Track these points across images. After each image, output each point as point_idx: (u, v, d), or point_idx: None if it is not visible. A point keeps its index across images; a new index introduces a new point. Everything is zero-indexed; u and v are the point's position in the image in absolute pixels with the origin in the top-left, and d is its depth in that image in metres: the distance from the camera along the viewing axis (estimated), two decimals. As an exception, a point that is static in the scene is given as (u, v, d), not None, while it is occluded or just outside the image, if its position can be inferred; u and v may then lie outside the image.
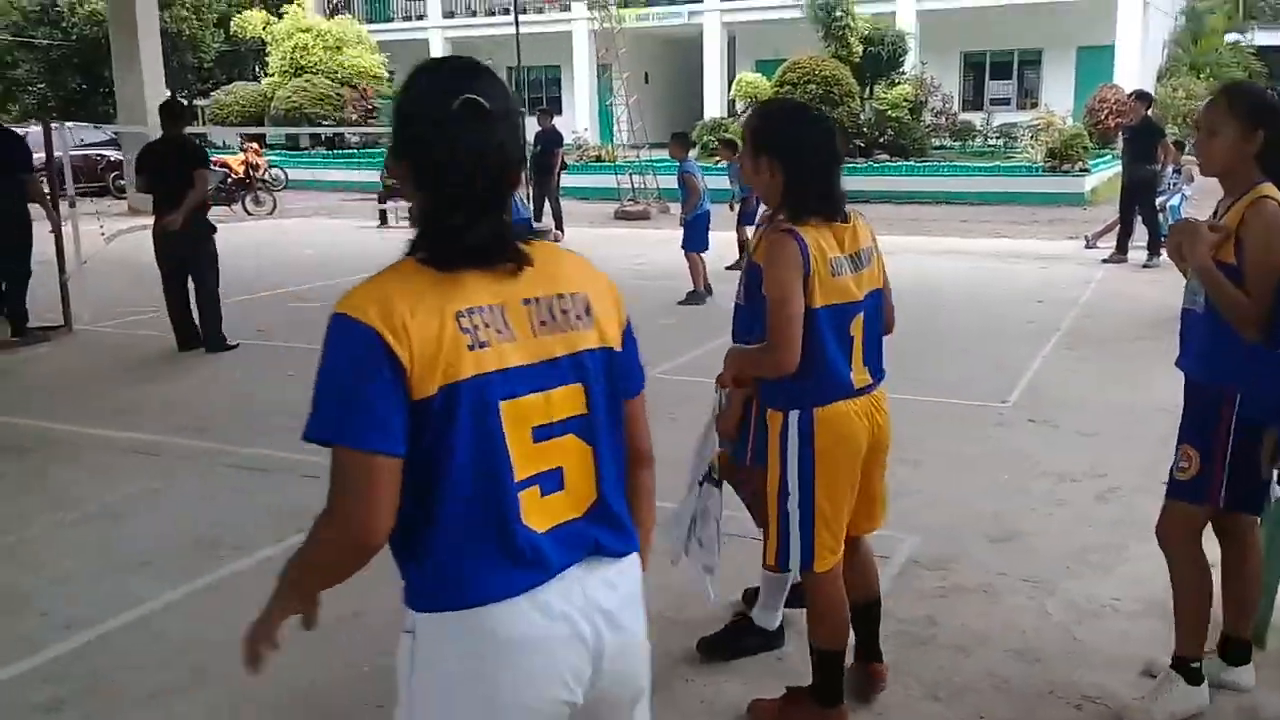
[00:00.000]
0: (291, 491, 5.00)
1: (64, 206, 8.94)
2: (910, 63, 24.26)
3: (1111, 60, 24.46)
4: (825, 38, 23.19)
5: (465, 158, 1.52)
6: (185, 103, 9.17)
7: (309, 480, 5.11)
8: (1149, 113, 12.28)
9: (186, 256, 8.00)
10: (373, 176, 20.86)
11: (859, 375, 2.74)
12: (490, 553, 1.53)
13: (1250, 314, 2.67)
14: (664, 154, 15.21)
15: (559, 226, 15.62)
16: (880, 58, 23.51)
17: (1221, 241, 2.71)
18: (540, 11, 26.42)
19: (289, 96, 27.44)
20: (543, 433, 1.57)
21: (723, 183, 13.03)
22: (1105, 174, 19.79)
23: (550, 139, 15.86)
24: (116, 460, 5.52)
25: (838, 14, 22.86)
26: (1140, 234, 12.13)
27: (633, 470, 1.74)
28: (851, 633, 2.99)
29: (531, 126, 16.26)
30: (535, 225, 15.61)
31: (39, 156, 9.07)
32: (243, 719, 3.16)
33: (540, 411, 1.57)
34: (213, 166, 11.02)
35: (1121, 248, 12.17)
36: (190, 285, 8.16)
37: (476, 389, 1.51)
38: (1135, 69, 24.04)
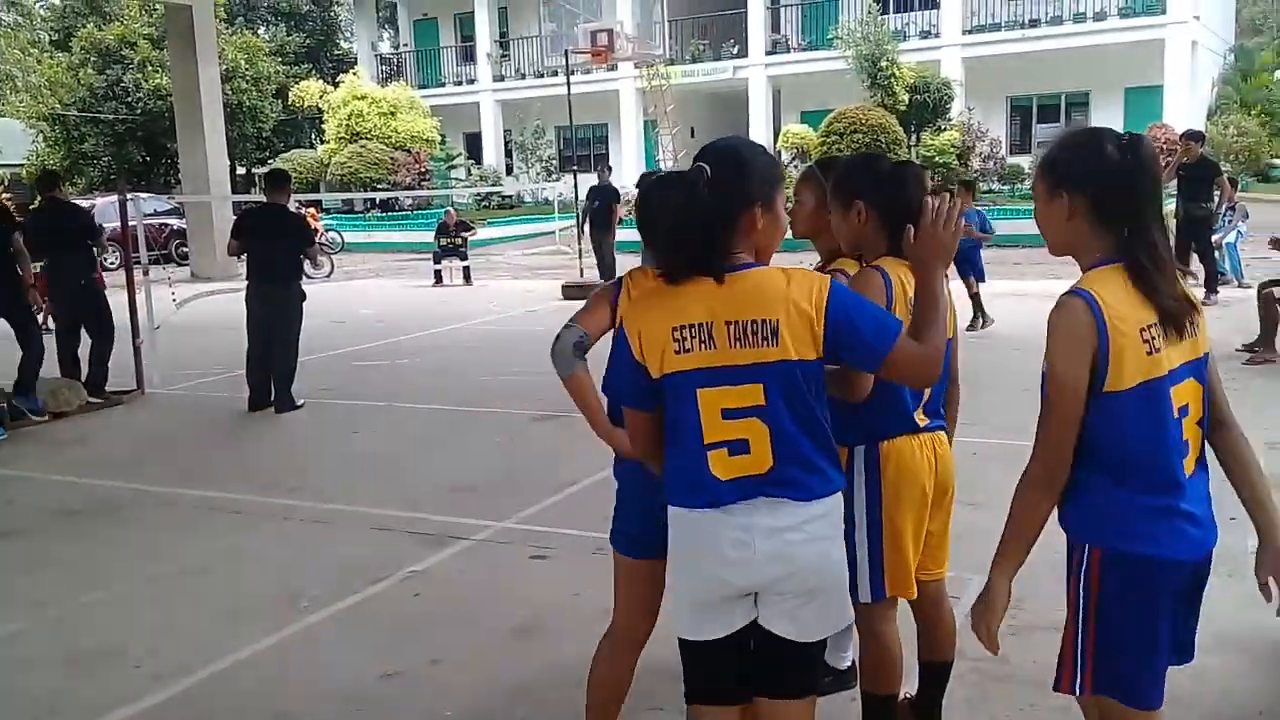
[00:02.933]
0: (364, 544, 5.13)
1: (137, 274, 9.28)
2: (957, 109, 24.36)
3: (1160, 100, 24.37)
4: (871, 87, 23.40)
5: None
6: (289, 173, 9.48)
7: (380, 533, 5.25)
8: (1202, 151, 12.23)
9: (275, 322, 8.24)
10: (426, 237, 21.29)
11: (920, 414, 2.79)
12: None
13: None
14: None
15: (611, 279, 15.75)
16: (926, 105, 23.66)
17: None
18: (588, 73, 26.92)
19: (344, 162, 28.19)
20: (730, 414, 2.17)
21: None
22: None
23: (607, 193, 16.08)
24: (198, 517, 5.68)
25: (883, 64, 23.07)
26: (1197, 271, 12.02)
27: None
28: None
29: (587, 181, 16.52)
30: (585, 280, 15.80)
31: (114, 226, 9.45)
32: (331, 763, 3.25)
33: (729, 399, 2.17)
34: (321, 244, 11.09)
35: (1179, 286, 12.07)
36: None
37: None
38: (1185, 108, 23.91)
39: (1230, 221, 12.80)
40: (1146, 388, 2.08)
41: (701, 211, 2.15)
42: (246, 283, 8.34)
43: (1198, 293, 11.66)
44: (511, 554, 4.91)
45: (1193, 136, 12.36)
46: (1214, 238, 12.12)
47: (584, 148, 31.86)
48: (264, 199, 8.69)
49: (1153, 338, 2.08)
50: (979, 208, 12.02)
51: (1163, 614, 2.14)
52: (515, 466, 6.44)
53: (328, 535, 5.32)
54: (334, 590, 4.48)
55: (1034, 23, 26.12)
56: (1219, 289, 11.88)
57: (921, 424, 2.78)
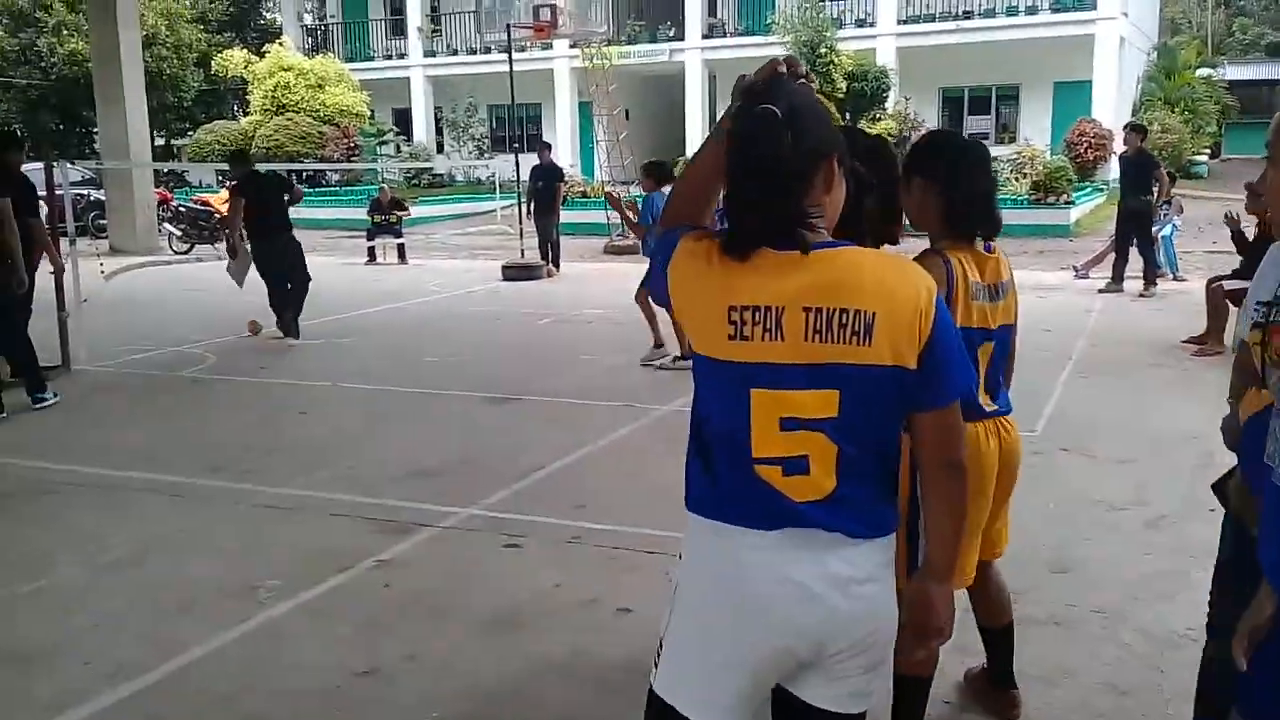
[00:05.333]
0: (324, 531, 4.88)
1: (64, 244, 8.78)
2: (893, 98, 24.49)
3: (1088, 95, 24.76)
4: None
5: None
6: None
7: (338, 519, 4.99)
8: (1143, 144, 12.36)
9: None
10: (356, 214, 20.73)
11: (984, 400, 2.72)
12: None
13: None
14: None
15: (555, 262, 15.49)
16: (864, 94, 23.72)
17: None
18: (522, 50, 26.44)
19: (271, 135, 27.36)
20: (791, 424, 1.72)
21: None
22: (1088, 205, 19.98)
23: (551, 173, 15.73)
24: (139, 501, 5.35)
25: (822, 50, 23.07)
26: (1135, 264, 12.21)
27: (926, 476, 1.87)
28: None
29: (527, 161, 16.16)
30: (526, 261, 15.49)
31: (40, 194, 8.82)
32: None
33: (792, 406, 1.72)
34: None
35: (1118, 277, 12.24)
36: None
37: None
38: (1112, 103, 24.34)
39: (1167, 215, 13.02)
40: None
41: (787, 160, 1.70)
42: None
43: (1136, 285, 11.91)
44: (481, 542, 4.70)
45: (1134, 128, 12.52)
46: (1151, 231, 12.29)
47: (517, 127, 31.40)
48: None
49: None
50: None
51: None
52: (473, 451, 6.20)
53: (281, 521, 5.04)
54: (296, 580, 4.22)
55: (968, 14, 26.33)
56: (1156, 282, 12.07)
57: (988, 409, 2.73)
